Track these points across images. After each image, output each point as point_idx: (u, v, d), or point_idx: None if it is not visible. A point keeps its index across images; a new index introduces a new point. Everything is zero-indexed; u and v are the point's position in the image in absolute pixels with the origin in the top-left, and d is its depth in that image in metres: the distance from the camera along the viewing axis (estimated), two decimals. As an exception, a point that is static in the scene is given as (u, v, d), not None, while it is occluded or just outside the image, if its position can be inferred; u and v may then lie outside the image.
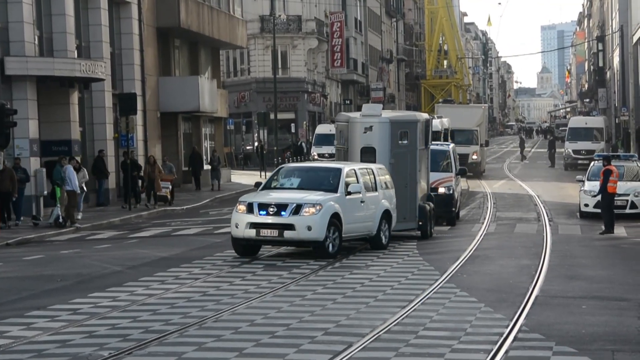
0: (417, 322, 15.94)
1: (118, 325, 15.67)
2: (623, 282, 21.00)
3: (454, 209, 33.42)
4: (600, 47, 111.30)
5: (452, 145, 37.46)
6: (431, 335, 14.91)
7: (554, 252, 25.93)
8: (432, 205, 29.41)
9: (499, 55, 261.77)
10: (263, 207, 23.69)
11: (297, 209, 23.49)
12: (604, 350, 13.90)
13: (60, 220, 33.01)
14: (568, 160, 67.29)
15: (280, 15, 75.78)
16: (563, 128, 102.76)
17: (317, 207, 23.59)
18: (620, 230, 31.29)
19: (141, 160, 43.69)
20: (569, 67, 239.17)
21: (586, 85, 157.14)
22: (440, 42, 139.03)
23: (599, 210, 32.34)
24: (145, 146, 46.30)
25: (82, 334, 15.01)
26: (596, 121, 73.42)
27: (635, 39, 74.02)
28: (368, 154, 28.09)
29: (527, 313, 16.84)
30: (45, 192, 34.89)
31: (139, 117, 44.99)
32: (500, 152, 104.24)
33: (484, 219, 35.30)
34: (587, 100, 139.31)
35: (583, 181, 36.49)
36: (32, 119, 36.87)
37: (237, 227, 23.88)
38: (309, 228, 23.44)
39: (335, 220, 23.98)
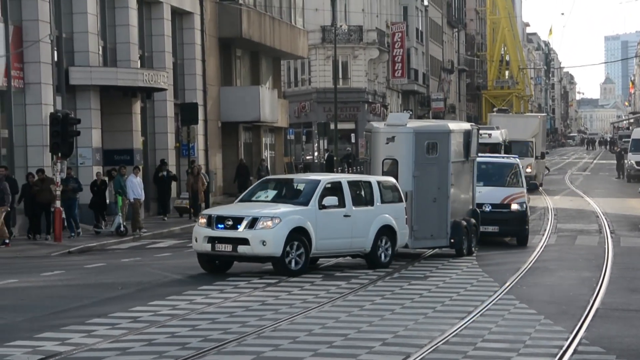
0: (476, 333, 15.86)
1: (177, 334, 15.74)
2: (685, 295, 20.77)
3: (527, 227, 30.96)
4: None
5: (529, 160, 36.08)
6: (490, 347, 14.82)
7: (616, 264, 25.70)
8: (473, 221, 27.57)
9: (562, 65, 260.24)
10: (220, 220, 22.57)
11: (253, 223, 22.19)
12: (665, 364, 13.75)
13: (122, 229, 33.23)
14: (631, 172, 66.65)
15: (341, 26, 75.87)
16: (626, 139, 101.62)
17: (275, 221, 22.20)
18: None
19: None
20: (632, 78, 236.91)
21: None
22: (502, 52, 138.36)
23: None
24: (206, 156, 46.50)
25: (142, 341, 15.09)
26: (660, 132, 72.68)
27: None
28: (390, 166, 26.65)
29: (587, 326, 16.69)
30: (108, 201, 35.13)
31: (200, 127, 45.26)
32: (561, 163, 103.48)
33: (544, 230, 35.05)
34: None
35: (645, 193, 36.17)
36: (95, 128, 37.20)
37: (196, 240, 22.90)
38: (264, 243, 22.06)
39: (299, 235, 22.47)
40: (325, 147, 73.36)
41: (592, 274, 23.77)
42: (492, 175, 31.53)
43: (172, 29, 44.29)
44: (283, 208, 23.02)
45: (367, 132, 28.26)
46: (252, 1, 52.62)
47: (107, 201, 34.75)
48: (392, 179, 25.57)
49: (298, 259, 22.63)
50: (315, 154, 78.90)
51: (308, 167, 77.11)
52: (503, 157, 34.71)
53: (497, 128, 49.89)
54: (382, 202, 24.63)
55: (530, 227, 36.11)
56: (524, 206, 30.73)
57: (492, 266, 25.17)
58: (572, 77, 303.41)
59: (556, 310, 18.39)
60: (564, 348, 14.69)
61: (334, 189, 23.74)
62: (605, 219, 39.29)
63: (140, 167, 37.73)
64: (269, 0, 55.31)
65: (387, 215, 24.47)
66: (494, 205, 30.22)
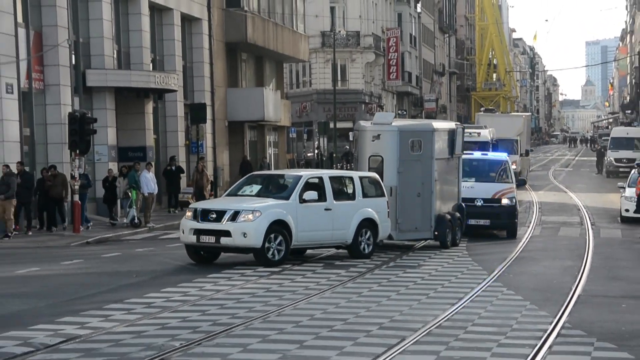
0: (466, 318, 15.92)
1: (188, 318, 15.80)
2: (661, 283, 20.82)
3: (516, 220, 30.66)
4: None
5: (514, 157, 35.60)
6: (479, 330, 14.88)
7: (596, 254, 25.76)
8: (458, 215, 27.33)
9: (546, 69, 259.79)
10: (205, 213, 22.48)
11: (235, 216, 22.07)
12: (642, 347, 13.81)
13: (136, 220, 33.27)
14: (610, 168, 66.62)
15: (340, 31, 75.88)
16: (605, 138, 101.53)
17: (256, 214, 22.08)
18: (659, 234, 30.99)
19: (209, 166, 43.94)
20: (611, 81, 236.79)
21: (628, 98, 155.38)
22: (490, 56, 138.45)
23: (638, 216, 32.06)
24: (214, 153, 46.60)
25: (156, 325, 15.15)
26: (637, 131, 72.76)
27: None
28: (376, 163, 26.35)
29: (569, 311, 16.75)
30: (122, 196, 35.17)
31: (208, 126, 45.32)
32: (545, 159, 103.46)
33: (530, 222, 35.10)
34: (629, 111, 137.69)
35: (624, 188, 36.19)
36: (110, 126, 37.27)
37: (183, 232, 22.90)
38: (245, 235, 21.92)
39: (279, 228, 22.33)
40: (325, 146, 73.32)
41: (574, 263, 23.83)
42: (483, 172, 31.24)
43: (181, 34, 44.31)
44: (265, 202, 22.89)
45: (356, 131, 28.06)
46: (257, 8, 52.59)
47: (118, 196, 34.73)
48: (374, 175, 25.36)
49: (278, 250, 22.47)
50: (316, 151, 78.94)
51: (309, 164, 77.21)
52: (493, 155, 34.38)
53: (485, 127, 49.35)
54: (364, 196, 24.36)
55: (516, 219, 36.36)
56: (514, 201, 30.43)
57: (481, 256, 25.22)
58: (555, 79, 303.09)
59: (541, 296, 18.44)
60: (548, 331, 14.76)
61: (316, 184, 23.56)
62: (587, 212, 39.35)
63: (153, 163, 37.79)
64: (272, 7, 55.31)
65: (368, 209, 24.24)
66: (485, 200, 29.89)
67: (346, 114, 78.83)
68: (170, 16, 42.90)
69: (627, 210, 34.94)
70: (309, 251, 24.73)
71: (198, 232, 22.45)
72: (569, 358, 12.91)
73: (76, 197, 31.36)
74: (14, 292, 18.75)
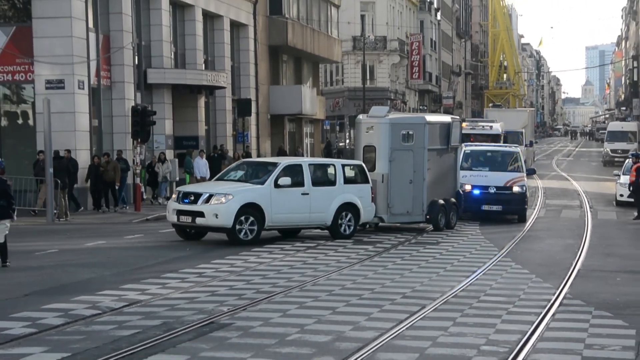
0: (479, 289, 15.84)
1: (235, 287, 15.80)
2: (652, 259, 20.64)
3: (526, 207, 29.81)
4: (636, 64, 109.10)
5: (520, 147, 33.57)
6: (490, 300, 14.80)
7: (594, 233, 25.58)
8: (453, 200, 26.36)
9: (550, 70, 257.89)
10: (185, 196, 22.13)
11: (209, 199, 21.66)
12: (635, 315, 13.68)
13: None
14: (606, 158, 66.10)
15: (369, 36, 75.64)
16: (602, 131, 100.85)
17: (228, 197, 21.61)
18: (650, 216, 30.71)
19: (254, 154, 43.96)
20: (608, 81, 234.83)
21: (622, 96, 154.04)
22: (501, 59, 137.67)
23: (632, 200, 31.79)
24: (258, 142, 46.62)
25: (206, 292, 15.17)
26: (631, 125, 72.04)
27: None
28: (369, 152, 25.47)
29: (570, 283, 16.65)
30: (177, 178, 35.27)
31: (252, 118, 45.33)
32: (549, 150, 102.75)
33: (536, 206, 34.89)
34: (624, 108, 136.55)
35: (619, 175, 35.90)
36: (167, 119, 37.34)
37: (168, 213, 22.64)
38: (216, 215, 21.45)
39: (251, 210, 21.77)
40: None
41: (574, 241, 23.67)
42: (496, 162, 30.75)
43: (230, 38, 44.28)
44: (241, 186, 22.42)
45: (356, 123, 26.91)
46: (296, 15, 52.50)
47: (159, 179, 34.48)
48: (359, 162, 24.66)
49: (250, 230, 21.91)
50: (347, 141, 78.81)
51: (341, 152, 77.15)
52: (505, 146, 33.38)
53: (496, 121, 48.53)
54: (347, 182, 23.64)
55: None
56: (524, 188, 29.65)
57: (493, 234, 25.09)
58: (558, 79, 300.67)
59: (545, 270, 18.32)
60: (551, 301, 14.66)
61: (295, 170, 22.91)
62: (585, 196, 39.07)
63: (205, 151, 37.81)
64: (309, 14, 55.19)
65: (349, 194, 23.54)
66: (498, 188, 29.25)
67: (374, 109, 78.63)
68: (220, 22, 42.89)
69: (621, 195, 34.65)
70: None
71: (178, 213, 22.11)
72: (570, 325, 12.81)
73: (137, 180, 31.37)
74: (83, 262, 18.83)
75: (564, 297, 15.14)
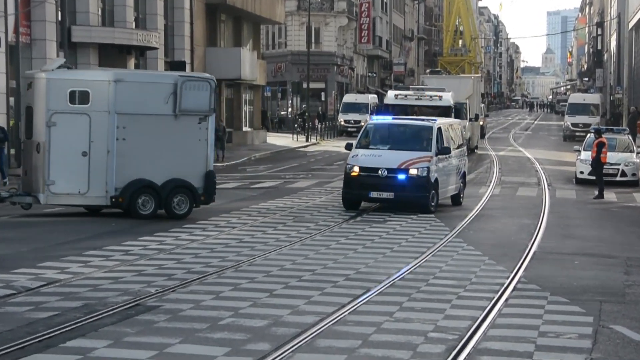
0: (428, 271, 15.93)
1: (164, 266, 15.74)
2: (612, 241, 20.91)
3: (427, 194, 24.77)
4: (599, 32, 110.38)
5: (439, 120, 27.23)
6: (440, 283, 14.89)
7: (552, 213, 25.83)
8: (189, 182, 22.61)
9: (509, 36, 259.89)
10: None
11: None
12: (592, 301, 13.84)
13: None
14: (567, 132, 66.72)
15: (315, -4, 75.48)
16: (563, 103, 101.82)
17: None
18: (610, 195, 31.11)
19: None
20: (570, 49, 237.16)
21: (585, 66, 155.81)
22: (457, 23, 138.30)
23: (593, 177, 32.16)
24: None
25: (133, 272, 15.08)
26: (593, 98, 72.76)
27: (631, 25, 73.30)
28: (29, 114, 22.15)
29: (525, 266, 16.79)
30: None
31: (187, 83, 44.97)
32: (506, 123, 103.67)
33: (490, 182, 35.14)
34: (586, 79, 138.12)
35: (580, 151, 36.23)
36: (93, 81, 36.91)
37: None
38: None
39: None
40: (298, 105, 73.11)
41: (531, 221, 23.88)
42: (402, 140, 25.96)
43: (164, -6, 43.94)
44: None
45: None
46: (236, -29, 52.17)
47: None
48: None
49: None
50: (289, 109, 78.74)
51: (282, 121, 77.08)
52: (421, 120, 27.65)
53: (446, 90, 42.52)
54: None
55: (477, 178, 36.34)
56: (425, 171, 24.69)
57: (444, 213, 25.18)
58: (517, 47, 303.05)
59: (499, 252, 18.47)
60: (505, 285, 14.79)
61: None
62: (544, 173, 39.44)
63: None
64: (251, -29, 54.89)
65: None
66: (389, 170, 24.60)
67: (319, 75, 78.70)
68: (152, -23, 42.45)
69: (582, 173, 35.03)
70: (287, 204, 24.52)
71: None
72: (524, 311, 12.93)
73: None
74: (-3, 237, 18.61)
75: (518, 281, 15.27)
